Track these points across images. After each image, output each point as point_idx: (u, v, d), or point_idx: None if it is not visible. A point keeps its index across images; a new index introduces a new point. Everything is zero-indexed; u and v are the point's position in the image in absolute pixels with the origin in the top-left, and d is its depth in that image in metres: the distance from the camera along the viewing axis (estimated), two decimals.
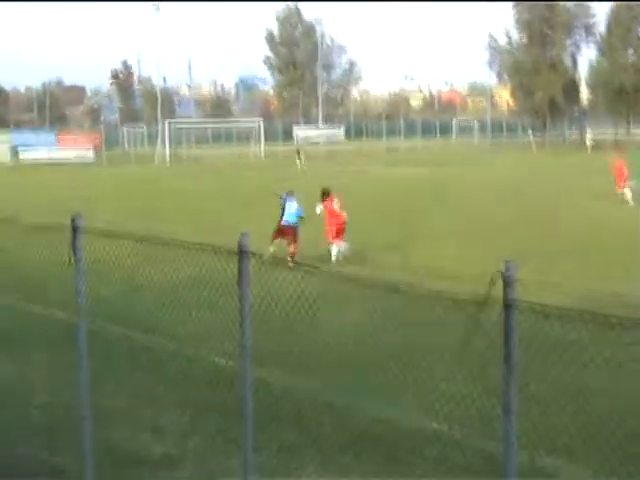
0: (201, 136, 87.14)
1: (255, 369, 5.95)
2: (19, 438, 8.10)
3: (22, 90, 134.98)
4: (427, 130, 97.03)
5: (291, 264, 15.25)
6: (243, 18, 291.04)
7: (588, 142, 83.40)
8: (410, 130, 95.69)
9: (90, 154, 71.83)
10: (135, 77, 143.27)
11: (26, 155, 68.57)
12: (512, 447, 4.46)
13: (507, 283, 4.33)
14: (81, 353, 7.01)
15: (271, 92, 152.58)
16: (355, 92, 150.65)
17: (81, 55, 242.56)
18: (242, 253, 5.66)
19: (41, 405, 8.73)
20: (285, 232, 19.39)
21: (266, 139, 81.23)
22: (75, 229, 6.88)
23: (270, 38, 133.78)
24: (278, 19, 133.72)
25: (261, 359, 7.35)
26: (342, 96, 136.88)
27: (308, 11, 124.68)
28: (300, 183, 32.67)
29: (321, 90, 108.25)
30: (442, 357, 6.54)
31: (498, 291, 4.34)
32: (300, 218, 19.67)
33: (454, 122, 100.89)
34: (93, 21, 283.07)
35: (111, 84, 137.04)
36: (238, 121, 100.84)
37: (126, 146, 79.46)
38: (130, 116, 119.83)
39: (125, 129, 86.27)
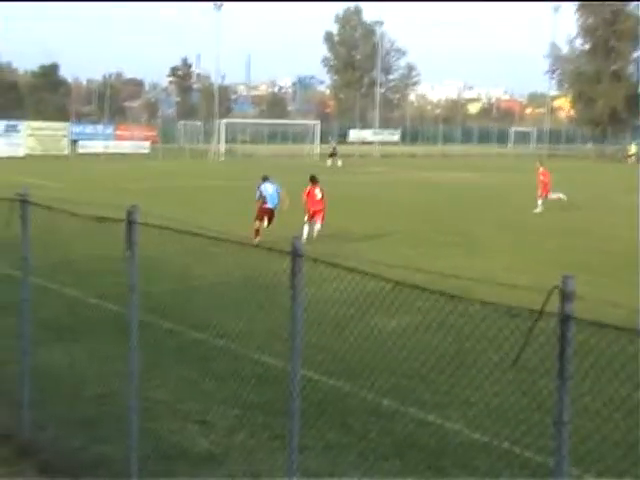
0: (257, 134, 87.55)
1: (303, 368, 5.96)
2: (69, 429, 8.19)
3: (84, 82, 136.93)
4: (484, 137, 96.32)
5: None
6: (303, 18, 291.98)
7: (632, 153, 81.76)
8: (467, 137, 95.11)
9: (146, 148, 72.61)
10: (194, 74, 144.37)
11: (85, 147, 69.50)
12: (563, 460, 4.40)
13: (565, 297, 4.27)
14: (132, 345, 7.08)
15: (328, 93, 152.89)
16: (412, 96, 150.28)
17: (141, 49, 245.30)
18: (295, 255, 5.66)
19: (91, 396, 8.82)
20: (268, 212, 22.49)
21: (321, 140, 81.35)
22: (131, 223, 6.94)
23: (329, 38, 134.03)
24: (338, 20, 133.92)
25: (309, 358, 7.36)
26: (399, 99, 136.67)
27: (368, 12, 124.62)
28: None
29: (378, 93, 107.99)
30: (493, 367, 6.47)
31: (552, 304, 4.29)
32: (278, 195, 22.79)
33: (511, 130, 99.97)
34: (155, 17, 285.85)
35: (170, 81, 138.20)
36: (295, 123, 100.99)
37: (182, 141, 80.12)
38: (187, 111, 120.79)
39: (182, 124, 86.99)
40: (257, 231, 21.79)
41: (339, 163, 63.56)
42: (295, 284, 5.71)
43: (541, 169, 34.60)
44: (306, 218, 23.03)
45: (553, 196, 33.58)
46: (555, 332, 4.40)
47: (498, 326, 5.02)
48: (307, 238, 21.60)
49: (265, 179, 23.35)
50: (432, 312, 5.50)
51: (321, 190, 23.76)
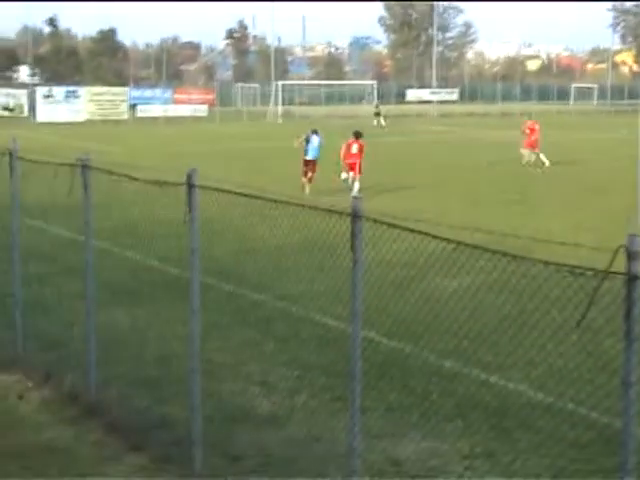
0: (314, 96, 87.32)
1: (363, 329, 5.95)
2: (132, 389, 8.32)
3: (140, 47, 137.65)
4: (544, 95, 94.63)
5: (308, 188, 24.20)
6: None
7: None
8: (526, 94, 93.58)
9: (204, 111, 72.85)
10: (250, 36, 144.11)
11: (143, 111, 70.03)
12: (631, 421, 4.34)
13: (631, 256, 4.18)
14: (193, 308, 7.14)
15: (385, 53, 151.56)
16: (470, 54, 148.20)
17: (197, 12, 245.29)
18: (355, 217, 5.62)
19: (154, 357, 8.94)
20: (309, 164, 25.40)
21: (379, 100, 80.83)
22: (191, 186, 6.96)
23: None
24: None
25: (370, 320, 7.35)
26: (457, 58, 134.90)
27: None
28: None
29: (436, 51, 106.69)
30: (556, 328, 6.39)
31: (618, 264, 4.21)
32: (320, 148, 25.71)
33: (572, 87, 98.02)
34: None
35: (227, 44, 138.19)
36: (352, 83, 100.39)
37: (239, 103, 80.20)
38: (244, 74, 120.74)
39: (239, 87, 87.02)
40: (303, 186, 24.55)
41: (382, 122, 63.32)
42: (355, 246, 5.68)
43: (529, 123, 34.09)
44: (343, 172, 25.24)
45: (540, 156, 32.57)
46: (621, 292, 4.32)
47: (561, 286, 4.94)
48: (345, 182, 24.62)
49: (314, 132, 26.21)
50: (494, 273, 5.42)
51: (360, 145, 25.18)
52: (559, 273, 4.74)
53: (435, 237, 5.42)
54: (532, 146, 33.06)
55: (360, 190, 23.51)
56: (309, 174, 25.21)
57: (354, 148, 25.08)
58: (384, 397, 7.68)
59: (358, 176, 24.63)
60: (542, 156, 32.65)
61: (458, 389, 8.10)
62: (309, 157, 25.62)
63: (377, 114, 66.23)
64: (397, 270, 7.62)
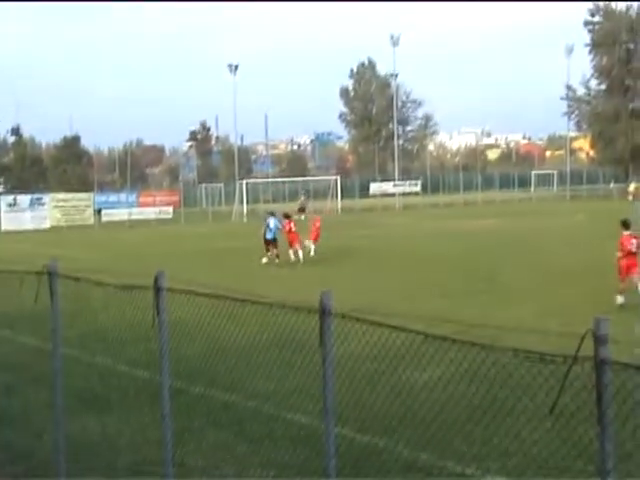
0: (278, 192, 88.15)
1: (337, 426, 5.90)
2: None
3: (105, 152, 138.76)
4: (505, 183, 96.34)
5: (277, 260, 31.64)
6: (318, 75, 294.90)
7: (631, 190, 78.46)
8: (488, 183, 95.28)
9: (169, 212, 73.21)
10: (213, 137, 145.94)
11: (109, 215, 70.22)
12: None
13: (599, 341, 4.21)
14: (164, 412, 7.06)
15: (347, 148, 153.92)
16: (431, 146, 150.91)
17: (160, 116, 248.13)
18: (324, 313, 5.64)
19: (126, 464, 8.76)
20: (269, 243, 32.05)
21: (343, 195, 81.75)
22: (158, 289, 6.97)
23: (345, 94, 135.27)
24: (352, 75, 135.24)
25: (342, 415, 7.29)
26: (418, 150, 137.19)
27: (382, 65, 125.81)
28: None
29: (397, 145, 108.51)
30: (530, 415, 6.39)
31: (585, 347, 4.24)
32: (278, 230, 32.52)
33: (532, 174, 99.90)
34: (171, 82, 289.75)
35: (190, 146, 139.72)
36: (315, 179, 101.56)
37: (204, 204, 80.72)
38: (208, 174, 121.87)
39: (203, 187, 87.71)
40: (269, 258, 31.82)
41: (302, 218, 63.40)
42: (325, 342, 5.68)
43: (285, 222, 33.77)
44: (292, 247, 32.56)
45: (306, 243, 33.72)
46: (591, 377, 4.34)
47: (532, 374, 4.96)
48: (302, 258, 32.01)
49: (271, 214, 33.91)
50: (464, 363, 5.44)
51: (295, 224, 33.66)
52: (528, 360, 4.77)
53: (404, 330, 5.44)
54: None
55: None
56: (273, 250, 31.75)
57: (293, 227, 33.04)
58: None
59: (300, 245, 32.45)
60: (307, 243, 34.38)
61: None
62: (269, 237, 32.13)
63: (301, 210, 65.79)
64: (367, 364, 7.60)
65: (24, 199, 67.96)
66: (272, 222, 32.52)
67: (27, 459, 9.45)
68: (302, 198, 71.22)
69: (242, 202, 75.34)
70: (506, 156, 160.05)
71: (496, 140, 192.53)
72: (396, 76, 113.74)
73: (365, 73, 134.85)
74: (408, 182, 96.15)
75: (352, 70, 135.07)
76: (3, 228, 64.01)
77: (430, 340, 5.36)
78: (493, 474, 8.01)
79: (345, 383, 6.91)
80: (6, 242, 49.28)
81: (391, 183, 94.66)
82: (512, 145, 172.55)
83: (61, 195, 72.37)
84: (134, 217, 69.73)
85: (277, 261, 31.63)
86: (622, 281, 19.65)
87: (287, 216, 34.12)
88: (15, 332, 14.50)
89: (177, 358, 8.06)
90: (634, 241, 19.88)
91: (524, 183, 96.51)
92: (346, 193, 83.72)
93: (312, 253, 33.30)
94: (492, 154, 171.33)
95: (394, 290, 23.22)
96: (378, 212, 76.56)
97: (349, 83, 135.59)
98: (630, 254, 19.77)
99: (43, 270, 8.37)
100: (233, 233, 51.46)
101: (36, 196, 69.78)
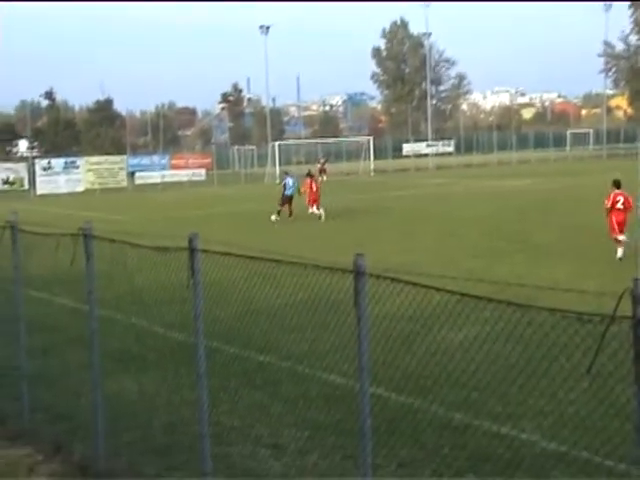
0: (310, 154, 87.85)
1: (371, 386, 5.91)
2: (142, 458, 8.24)
3: (137, 114, 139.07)
4: (540, 142, 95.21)
5: (290, 217, 34.07)
6: (349, 35, 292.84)
7: None
8: (522, 143, 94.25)
9: (202, 175, 73.33)
10: (245, 99, 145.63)
11: (142, 178, 70.50)
12: None
13: (637, 300, 4.16)
14: (200, 372, 7.11)
15: (379, 108, 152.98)
16: (464, 106, 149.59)
17: (192, 78, 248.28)
18: (359, 273, 5.62)
19: (162, 424, 8.86)
20: (288, 200, 34.71)
21: (375, 156, 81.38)
22: (192, 251, 6.98)
23: (377, 54, 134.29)
24: (385, 34, 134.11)
25: (377, 376, 7.30)
26: (451, 110, 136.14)
27: (415, 25, 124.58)
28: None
29: (430, 105, 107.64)
30: (566, 375, 6.35)
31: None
32: (295, 187, 35.26)
33: (568, 133, 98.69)
34: (203, 44, 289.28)
35: (222, 108, 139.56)
36: (348, 140, 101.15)
37: (236, 166, 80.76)
38: (240, 136, 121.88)
39: (235, 149, 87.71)
40: (278, 212, 33.97)
41: (324, 178, 63.40)
42: (359, 302, 5.67)
43: (308, 180, 35.47)
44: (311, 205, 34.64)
45: (315, 210, 34.66)
46: (629, 337, 4.30)
47: (568, 333, 4.92)
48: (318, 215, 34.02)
49: (286, 173, 37.96)
50: (499, 322, 5.41)
51: (317, 183, 35.95)
52: (565, 320, 4.73)
53: (439, 290, 5.42)
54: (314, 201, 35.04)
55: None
56: (289, 208, 34.48)
57: (314, 186, 35.02)
58: (395, 454, 7.59)
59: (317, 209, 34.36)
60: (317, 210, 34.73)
61: (469, 442, 8.02)
62: (288, 194, 34.81)
63: (322, 171, 65.80)
64: (402, 324, 7.60)
65: (58, 162, 68.31)
66: (291, 181, 35.23)
67: (67, 420, 9.58)
68: (322, 160, 70.97)
69: (275, 164, 75.25)
70: (541, 115, 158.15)
71: (530, 99, 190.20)
72: (429, 35, 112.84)
73: (397, 32, 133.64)
74: (441, 142, 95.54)
75: (384, 30, 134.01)
76: (38, 192, 64.51)
77: (465, 300, 5.33)
78: (528, 433, 8.01)
79: (380, 343, 6.91)
80: (41, 205, 49.72)
81: (424, 143, 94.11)
82: (547, 104, 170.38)
83: (94, 158, 72.62)
84: (167, 180, 69.92)
85: (291, 218, 34.16)
86: (616, 234, 21.23)
87: (310, 175, 36.35)
88: (52, 294, 14.68)
89: (211, 319, 8.10)
90: (620, 198, 21.61)
91: (560, 142, 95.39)
92: (379, 154, 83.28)
93: (318, 213, 34.42)
94: (527, 113, 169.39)
95: (428, 250, 23.16)
96: (411, 173, 76.20)
97: (381, 43, 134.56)
98: (617, 210, 21.47)
99: (78, 232, 8.42)
100: (266, 195, 51.46)
101: (70, 159, 70.13)
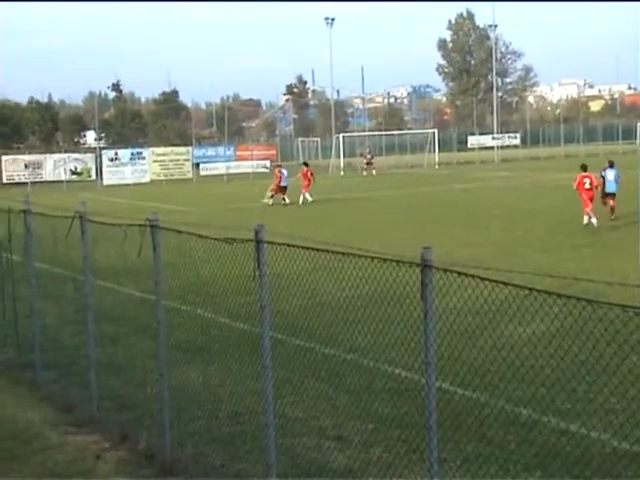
0: (375, 146, 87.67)
1: (437, 380, 5.85)
2: (207, 448, 8.31)
3: (202, 106, 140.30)
4: (609, 135, 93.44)
5: (284, 202, 39.30)
6: (415, 27, 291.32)
7: None
8: (590, 135, 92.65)
9: (266, 166, 73.67)
10: (309, 91, 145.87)
11: (207, 170, 71.09)
12: None
13: None
14: (265, 364, 7.13)
15: (444, 100, 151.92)
16: (531, 98, 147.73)
17: (257, 70, 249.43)
18: (425, 267, 5.57)
19: (227, 414, 8.92)
20: (283, 189, 39.58)
21: (440, 148, 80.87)
22: (258, 243, 6.99)
23: (443, 46, 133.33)
24: (450, 26, 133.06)
25: (443, 370, 7.23)
26: (517, 102, 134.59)
27: (481, 17, 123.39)
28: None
29: (496, 97, 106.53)
30: (638, 373, 6.22)
31: None
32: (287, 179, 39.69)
33: (638, 125, 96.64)
34: (269, 36, 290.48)
35: (286, 100, 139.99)
36: (412, 132, 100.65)
37: (300, 158, 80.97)
38: (304, 128, 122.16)
39: (299, 141, 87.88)
40: (272, 196, 39.42)
41: (373, 172, 63.56)
42: (426, 295, 5.61)
43: (304, 169, 41.85)
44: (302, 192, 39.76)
45: (307, 196, 40.08)
46: None
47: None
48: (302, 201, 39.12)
49: (279, 166, 42.01)
50: (569, 318, 5.31)
51: (312, 173, 41.70)
52: (638, 317, 4.62)
53: (506, 284, 5.34)
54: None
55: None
56: (283, 195, 39.45)
57: (309, 176, 41.10)
58: (461, 448, 7.53)
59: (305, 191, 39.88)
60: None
61: (537, 439, 7.91)
62: (284, 184, 39.89)
63: (368, 163, 66.24)
64: (469, 319, 7.53)
65: (125, 153, 69.26)
66: (285, 173, 40.30)
67: (133, 408, 9.71)
68: (367, 155, 70.83)
69: (339, 156, 75.25)
70: (610, 107, 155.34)
71: (599, 91, 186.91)
72: (495, 27, 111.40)
73: (463, 24, 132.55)
74: (507, 135, 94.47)
75: (450, 21, 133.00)
76: (105, 182, 65.48)
77: (534, 295, 5.24)
78: (598, 431, 7.86)
79: (446, 338, 6.85)
80: (108, 196, 50.47)
81: (490, 136, 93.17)
82: (616, 96, 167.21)
83: (160, 149, 73.44)
84: (232, 171, 70.40)
85: (285, 202, 39.05)
86: (587, 206, 26.28)
87: (306, 164, 43.85)
88: (119, 284, 14.89)
89: (276, 311, 8.12)
90: (587, 180, 26.88)
91: (629, 135, 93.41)
92: (444, 146, 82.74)
93: (309, 199, 39.59)
94: (595, 106, 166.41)
95: (494, 244, 22.92)
96: (476, 165, 75.57)
97: (447, 35, 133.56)
98: (586, 189, 26.63)
99: (145, 223, 8.50)
100: (331, 186, 51.52)
101: (136, 150, 71.03)
